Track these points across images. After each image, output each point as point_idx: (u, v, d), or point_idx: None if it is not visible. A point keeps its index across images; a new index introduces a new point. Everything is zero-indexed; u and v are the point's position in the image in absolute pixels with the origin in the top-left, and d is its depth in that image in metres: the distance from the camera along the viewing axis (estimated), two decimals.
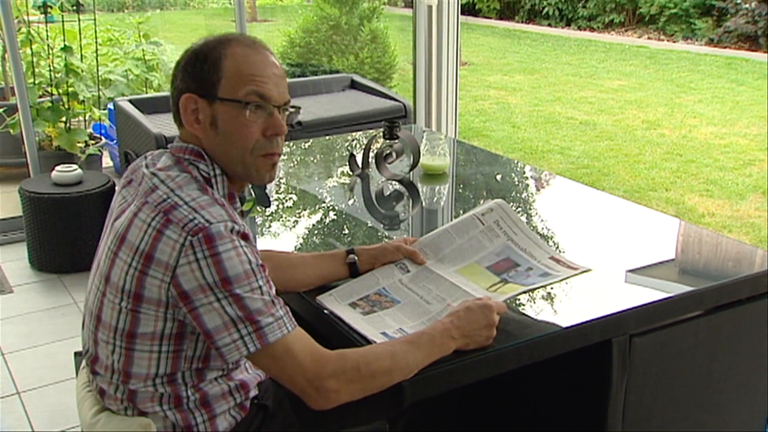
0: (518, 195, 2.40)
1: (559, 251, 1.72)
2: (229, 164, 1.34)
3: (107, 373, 1.31)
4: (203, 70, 1.30)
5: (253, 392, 1.40)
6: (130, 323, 1.24)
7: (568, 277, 1.57)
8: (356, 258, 1.59)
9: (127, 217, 1.26)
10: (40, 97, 4.26)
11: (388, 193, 2.31)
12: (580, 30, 12.18)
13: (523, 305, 1.58)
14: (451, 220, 2.14)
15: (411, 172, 2.35)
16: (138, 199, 1.27)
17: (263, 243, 2.01)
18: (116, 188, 1.41)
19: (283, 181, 2.48)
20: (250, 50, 1.32)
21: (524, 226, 1.68)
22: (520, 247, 1.63)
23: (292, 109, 1.40)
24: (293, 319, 1.26)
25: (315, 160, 2.80)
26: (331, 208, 2.25)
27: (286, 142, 2.99)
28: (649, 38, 11.29)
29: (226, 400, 1.34)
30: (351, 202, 2.31)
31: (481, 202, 2.28)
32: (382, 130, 2.32)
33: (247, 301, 1.19)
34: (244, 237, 1.23)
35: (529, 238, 1.65)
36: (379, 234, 2.04)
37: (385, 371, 1.26)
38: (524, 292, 1.54)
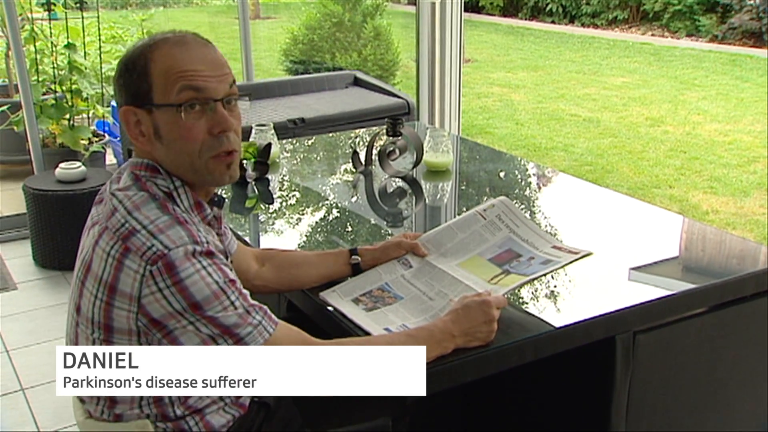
0: (521, 192, 2.40)
1: (561, 242, 1.71)
2: (181, 173, 1.27)
3: (92, 403, 1.30)
4: (132, 80, 1.24)
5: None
6: None
7: (569, 263, 1.57)
8: (360, 258, 1.58)
9: (90, 243, 1.23)
10: (44, 94, 4.26)
11: (391, 190, 2.31)
12: (584, 27, 12.15)
13: (526, 303, 1.58)
14: (455, 216, 2.14)
15: (414, 169, 2.35)
16: (100, 223, 1.24)
17: (266, 240, 2.02)
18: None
19: (286, 178, 2.48)
20: (177, 48, 1.24)
21: (526, 219, 1.67)
22: (522, 239, 1.63)
23: (245, 100, 1.33)
24: (273, 318, 1.24)
25: (318, 158, 2.80)
26: (334, 205, 2.25)
27: (290, 139, 3.01)
28: (653, 35, 11.26)
29: (216, 403, 1.32)
30: (354, 199, 2.31)
31: (485, 199, 2.28)
32: (385, 127, 2.31)
33: (221, 320, 1.17)
34: (209, 254, 1.18)
35: (531, 229, 1.65)
36: (382, 231, 2.04)
37: None
38: (526, 283, 1.53)
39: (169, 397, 1.26)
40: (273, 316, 1.25)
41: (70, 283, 1.32)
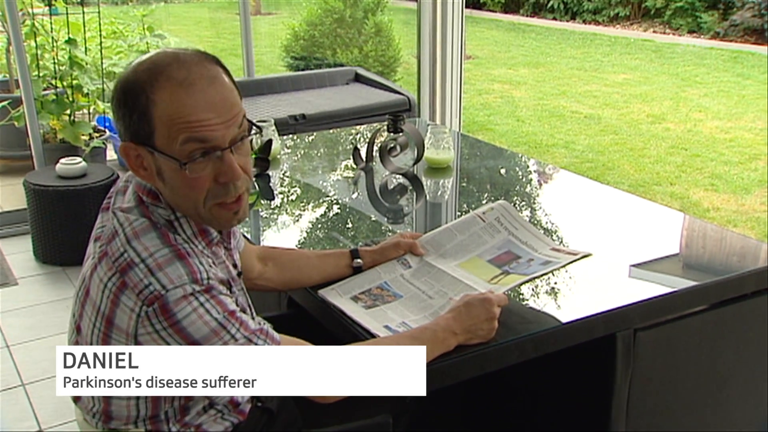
0: (522, 189, 2.40)
1: (562, 244, 1.71)
2: (186, 213, 1.23)
3: (89, 414, 1.30)
4: (132, 119, 1.15)
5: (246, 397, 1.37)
6: None
7: (569, 263, 1.57)
8: (362, 262, 1.58)
9: (90, 265, 1.21)
10: (45, 89, 4.26)
11: (392, 186, 2.31)
12: (585, 23, 12.13)
13: (527, 300, 1.58)
14: (455, 213, 2.14)
15: (415, 166, 2.35)
16: (101, 242, 1.21)
17: (267, 236, 2.02)
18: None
19: (287, 174, 2.47)
20: (182, 91, 1.13)
21: (525, 222, 1.68)
22: (521, 241, 1.63)
23: (253, 133, 1.24)
24: (276, 338, 1.22)
25: (319, 154, 2.80)
26: (334, 201, 2.25)
27: (291, 136, 3.00)
28: (654, 32, 11.24)
29: (212, 416, 1.31)
30: (355, 195, 2.31)
31: (485, 195, 2.28)
32: (386, 123, 2.31)
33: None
34: (207, 291, 1.15)
35: (530, 232, 1.65)
36: (383, 228, 2.04)
37: None
38: (525, 282, 1.54)
39: (165, 413, 1.26)
40: (275, 335, 1.23)
41: (74, 282, 1.31)
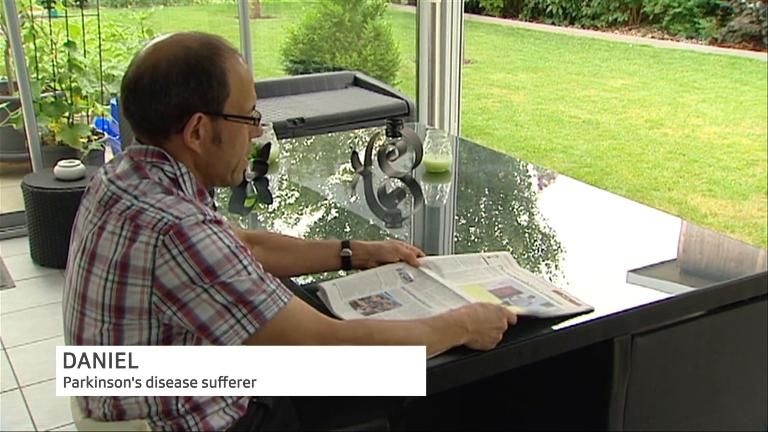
0: (520, 193, 2.40)
1: (561, 288, 1.64)
2: (223, 173, 1.33)
3: (100, 412, 1.30)
4: (211, 86, 1.25)
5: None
6: (115, 338, 1.22)
7: (570, 316, 1.47)
8: (350, 252, 1.58)
9: (93, 231, 1.23)
10: (43, 92, 4.25)
11: (390, 190, 2.31)
12: (584, 28, 12.16)
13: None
14: (453, 217, 2.14)
15: (413, 170, 2.35)
16: (99, 211, 1.24)
17: None
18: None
19: (285, 178, 2.48)
20: (238, 60, 1.29)
21: (528, 272, 1.66)
22: (523, 281, 1.60)
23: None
24: (288, 291, 1.24)
25: (317, 157, 2.80)
26: (333, 205, 2.25)
27: (289, 139, 3.01)
28: (652, 37, 11.27)
29: (217, 402, 1.31)
30: (353, 199, 2.31)
31: (484, 200, 2.29)
32: (384, 127, 2.31)
33: (234, 285, 1.17)
34: (218, 223, 1.21)
35: (532, 277, 1.63)
36: (381, 232, 2.04)
37: (399, 342, 1.25)
38: (529, 316, 1.43)
39: (177, 410, 1.26)
40: (287, 288, 1.24)
41: (65, 280, 1.31)
